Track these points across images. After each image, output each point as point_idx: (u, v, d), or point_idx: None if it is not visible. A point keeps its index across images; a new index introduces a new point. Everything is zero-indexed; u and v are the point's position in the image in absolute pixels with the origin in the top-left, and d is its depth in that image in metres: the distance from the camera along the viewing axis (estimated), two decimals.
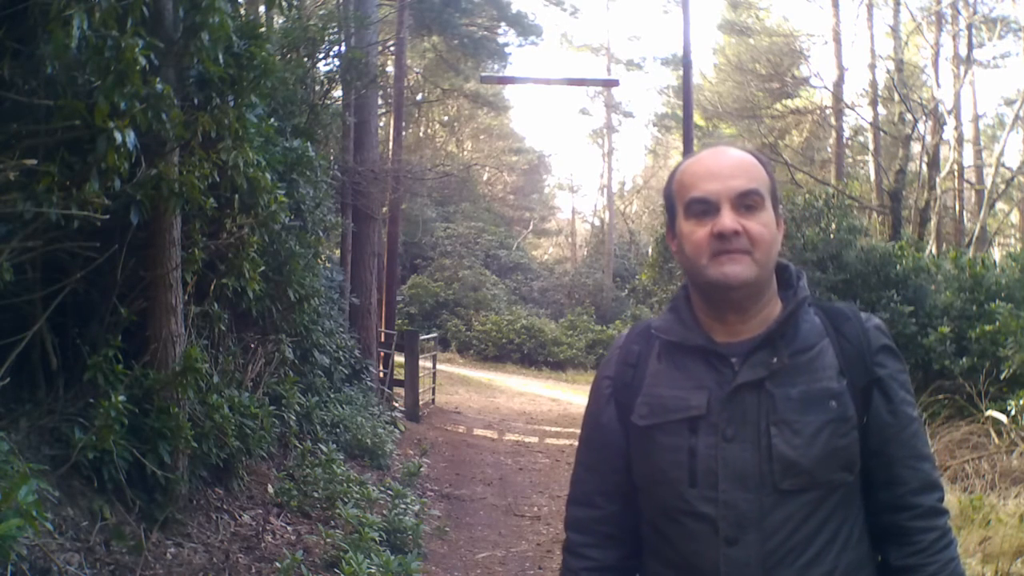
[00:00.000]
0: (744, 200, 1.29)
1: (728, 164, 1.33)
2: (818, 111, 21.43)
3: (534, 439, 11.31)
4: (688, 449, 1.29)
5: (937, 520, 1.30)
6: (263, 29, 5.28)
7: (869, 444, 1.30)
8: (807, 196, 11.09)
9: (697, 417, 1.30)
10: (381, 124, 15.56)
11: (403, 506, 6.00)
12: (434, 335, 18.08)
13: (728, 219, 1.28)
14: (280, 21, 8.96)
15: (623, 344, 1.46)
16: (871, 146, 19.45)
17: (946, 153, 17.99)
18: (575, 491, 1.48)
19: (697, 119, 20.39)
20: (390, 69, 15.83)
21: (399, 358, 12.63)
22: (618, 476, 1.41)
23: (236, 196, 4.82)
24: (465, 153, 32.89)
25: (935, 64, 18.77)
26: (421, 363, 12.46)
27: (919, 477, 1.31)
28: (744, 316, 1.34)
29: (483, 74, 16.98)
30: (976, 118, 22.26)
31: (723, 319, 1.35)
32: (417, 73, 19.53)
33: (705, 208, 1.31)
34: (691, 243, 1.32)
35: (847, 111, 20.08)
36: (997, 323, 8.08)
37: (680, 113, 19.44)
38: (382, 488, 6.51)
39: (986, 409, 7.54)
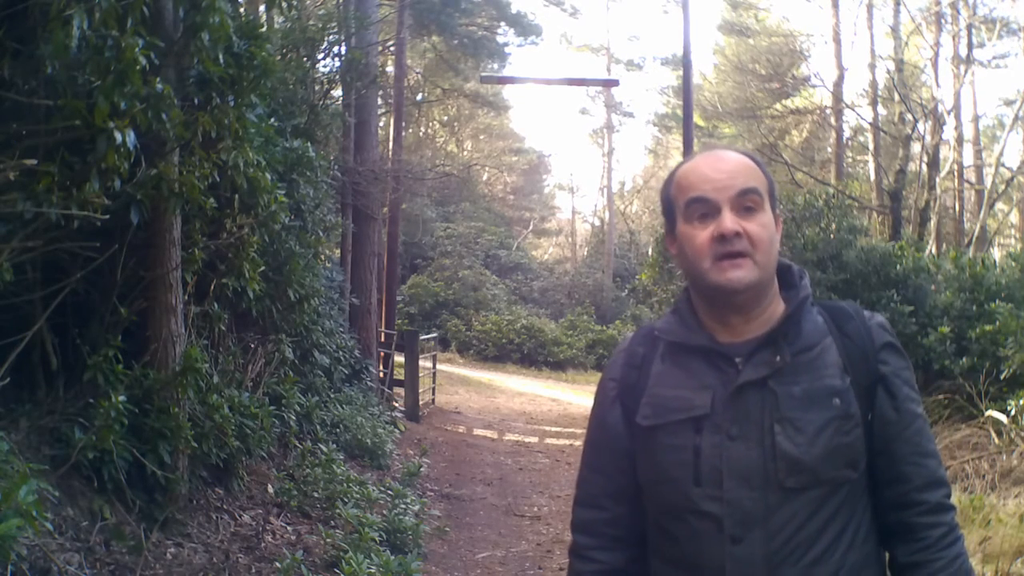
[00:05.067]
0: (744, 201, 1.31)
1: (727, 165, 1.34)
2: (818, 111, 21.42)
3: (534, 439, 11.31)
4: (693, 448, 1.30)
5: (943, 516, 1.30)
6: (263, 29, 5.27)
7: (874, 442, 1.31)
8: (807, 196, 11.06)
9: (702, 416, 1.30)
10: (381, 124, 15.56)
11: (403, 506, 5.99)
12: (434, 335, 18.07)
13: (729, 220, 1.29)
14: (280, 21, 8.96)
15: (628, 347, 1.46)
16: (871, 146, 19.44)
17: (946, 153, 17.98)
18: (581, 493, 1.48)
19: (697, 119, 20.39)
20: (390, 69, 15.84)
21: (399, 358, 12.63)
22: (624, 478, 1.41)
23: (236, 196, 4.82)
24: (465, 153, 32.88)
25: (935, 64, 18.77)
26: (421, 363, 12.45)
27: (924, 474, 1.30)
28: (747, 317, 1.35)
29: (483, 74, 16.96)
30: (976, 118, 22.23)
31: (726, 320, 1.36)
32: (417, 73, 19.51)
33: (705, 210, 1.31)
34: (692, 246, 1.32)
35: (847, 111, 20.07)
36: (997, 323, 8.07)
37: (680, 113, 19.44)
38: (382, 488, 6.51)
39: (986, 409, 7.54)
